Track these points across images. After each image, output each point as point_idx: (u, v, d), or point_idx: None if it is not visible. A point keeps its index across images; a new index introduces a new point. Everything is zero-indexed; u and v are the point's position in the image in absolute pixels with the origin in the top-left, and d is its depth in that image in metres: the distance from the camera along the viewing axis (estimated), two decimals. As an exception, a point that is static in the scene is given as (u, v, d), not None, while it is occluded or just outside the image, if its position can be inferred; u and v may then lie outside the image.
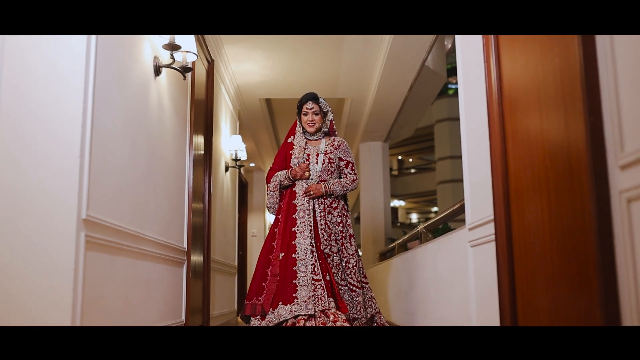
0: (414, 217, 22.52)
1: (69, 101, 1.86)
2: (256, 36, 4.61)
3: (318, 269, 2.90)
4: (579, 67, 1.31)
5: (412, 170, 20.27)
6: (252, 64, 5.22)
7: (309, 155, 3.20)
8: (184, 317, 3.34)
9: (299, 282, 2.87)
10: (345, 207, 3.24)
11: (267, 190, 3.27)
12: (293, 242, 3.00)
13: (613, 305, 1.21)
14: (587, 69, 1.27)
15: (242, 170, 7.24)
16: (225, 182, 5.40)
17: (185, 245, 3.39)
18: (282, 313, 2.82)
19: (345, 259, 3.09)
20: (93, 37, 1.95)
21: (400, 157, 20.19)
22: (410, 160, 20.85)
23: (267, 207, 3.29)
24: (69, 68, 1.89)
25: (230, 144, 5.57)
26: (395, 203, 19.68)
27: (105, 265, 2.06)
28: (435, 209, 19.07)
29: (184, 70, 2.90)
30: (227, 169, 5.45)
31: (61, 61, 1.89)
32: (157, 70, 2.78)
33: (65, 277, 1.76)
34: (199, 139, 4.02)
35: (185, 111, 3.50)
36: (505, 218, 1.88)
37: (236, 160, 5.60)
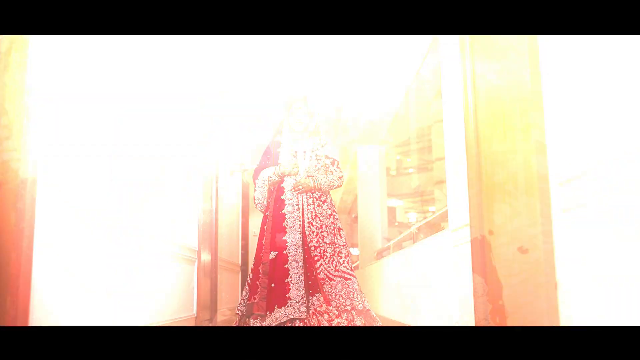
0: (412, 217, 22.74)
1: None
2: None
3: (306, 263, 3.02)
4: (533, 99, 1.61)
5: (411, 170, 20.52)
6: (255, 72, 5.49)
7: (296, 152, 3.28)
8: (195, 312, 3.64)
9: (291, 281, 2.98)
10: (333, 201, 3.29)
11: (255, 186, 3.28)
12: (283, 238, 3.07)
13: (553, 305, 1.49)
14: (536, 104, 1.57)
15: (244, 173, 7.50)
16: (230, 184, 5.69)
17: (196, 245, 3.69)
18: (278, 317, 2.93)
19: (338, 250, 3.14)
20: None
21: (398, 157, 20.44)
22: (409, 160, 21.10)
23: (254, 202, 3.27)
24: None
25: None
26: (394, 203, 19.95)
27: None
28: (433, 208, 19.31)
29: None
30: (231, 173, 5.74)
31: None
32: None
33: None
34: (207, 146, 4.31)
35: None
36: (479, 222, 2.16)
37: (240, 164, 5.89)
